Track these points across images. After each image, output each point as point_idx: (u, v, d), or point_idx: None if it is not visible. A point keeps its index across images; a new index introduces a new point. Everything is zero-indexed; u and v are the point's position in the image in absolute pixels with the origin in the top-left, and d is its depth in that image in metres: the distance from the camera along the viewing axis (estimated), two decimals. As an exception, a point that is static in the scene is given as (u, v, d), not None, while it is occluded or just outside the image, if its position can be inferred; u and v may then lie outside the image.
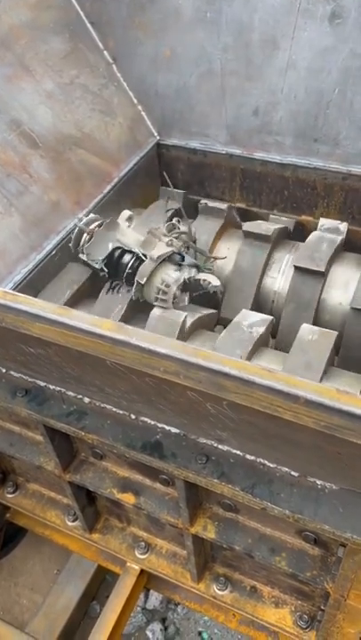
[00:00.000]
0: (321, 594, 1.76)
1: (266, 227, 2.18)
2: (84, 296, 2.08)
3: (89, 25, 2.43)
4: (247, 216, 2.46)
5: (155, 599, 3.45)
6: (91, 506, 2.05)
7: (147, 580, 2.15)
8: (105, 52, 2.47)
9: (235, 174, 2.48)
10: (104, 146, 2.36)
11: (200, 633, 3.37)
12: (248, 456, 1.41)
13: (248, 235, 2.17)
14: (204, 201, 2.38)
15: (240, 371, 0.75)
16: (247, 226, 2.18)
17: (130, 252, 1.98)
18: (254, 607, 1.90)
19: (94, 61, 2.44)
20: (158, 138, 2.55)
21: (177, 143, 2.52)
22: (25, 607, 3.36)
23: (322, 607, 1.67)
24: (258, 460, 1.40)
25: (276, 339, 2.07)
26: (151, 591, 3.47)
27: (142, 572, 2.09)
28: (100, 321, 0.84)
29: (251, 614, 1.90)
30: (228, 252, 2.24)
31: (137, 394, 1.25)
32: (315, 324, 1.99)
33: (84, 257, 2.01)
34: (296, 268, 1.99)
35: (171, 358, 0.79)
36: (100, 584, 3.25)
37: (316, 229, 2.26)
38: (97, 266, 1.98)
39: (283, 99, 2.26)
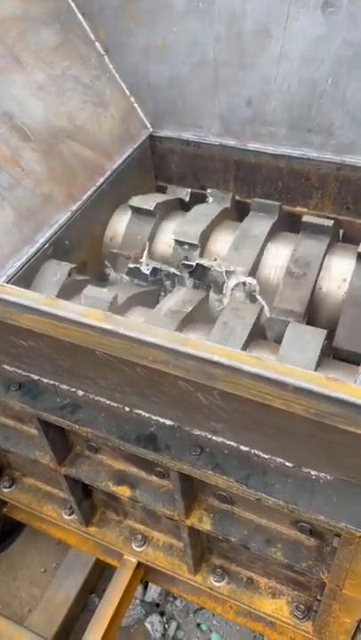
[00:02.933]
0: (317, 584, 1.76)
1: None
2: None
3: (80, 16, 2.41)
4: (242, 208, 2.45)
5: (153, 591, 3.46)
6: (87, 499, 2.05)
7: (144, 573, 2.15)
8: (96, 43, 2.45)
9: (228, 166, 2.47)
10: (96, 138, 2.34)
11: (199, 625, 3.38)
12: (242, 447, 1.41)
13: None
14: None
15: (228, 359, 0.74)
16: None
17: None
18: (251, 598, 1.91)
19: (86, 53, 2.42)
20: (151, 130, 2.53)
21: (170, 135, 2.51)
22: (24, 601, 3.37)
23: (318, 597, 1.68)
24: (252, 450, 1.40)
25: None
26: (150, 584, 3.49)
27: (139, 564, 2.09)
28: (87, 311, 0.83)
29: (247, 605, 1.90)
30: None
31: (129, 386, 1.25)
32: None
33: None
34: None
35: (159, 347, 0.79)
36: (99, 577, 3.26)
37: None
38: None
39: (276, 89, 2.25)
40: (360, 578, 1.42)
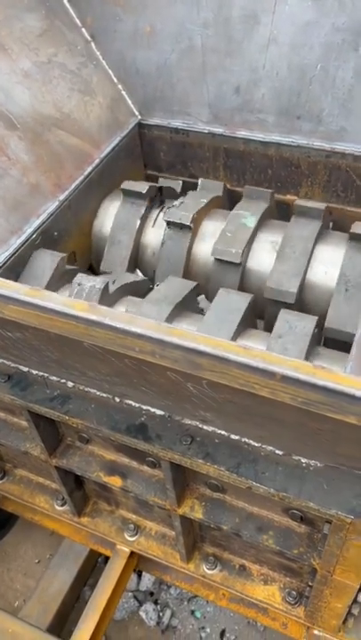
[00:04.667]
0: (308, 570, 1.78)
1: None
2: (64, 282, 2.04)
3: (65, 1, 2.37)
4: (233, 196, 2.44)
5: (148, 580, 3.49)
6: (79, 490, 2.05)
7: (137, 562, 2.16)
8: (83, 29, 2.41)
9: (218, 154, 2.45)
10: (84, 126, 2.31)
11: (193, 612, 3.41)
12: (233, 436, 1.41)
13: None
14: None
15: (215, 348, 0.74)
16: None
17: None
18: (243, 585, 1.92)
19: (72, 39, 2.38)
20: (140, 117, 2.50)
21: (159, 123, 2.48)
22: (18, 592, 3.38)
23: (309, 583, 1.69)
24: (242, 439, 1.40)
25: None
26: (143, 573, 3.51)
27: (132, 553, 2.10)
28: (72, 302, 0.82)
29: (240, 592, 1.92)
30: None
31: (118, 376, 1.24)
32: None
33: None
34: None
35: (145, 337, 0.78)
36: (94, 567, 3.28)
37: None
38: None
39: (265, 75, 2.23)
40: (351, 564, 1.44)
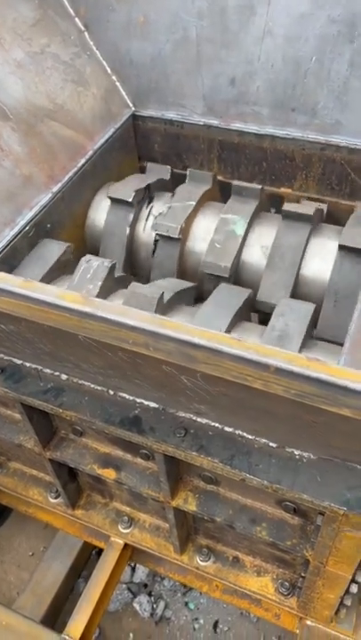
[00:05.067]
0: (301, 561, 1.79)
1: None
2: (62, 272, 2.03)
3: (59, -10, 2.34)
4: (226, 188, 2.42)
5: (141, 572, 3.50)
6: (72, 482, 2.05)
7: (131, 554, 2.17)
8: (76, 18, 2.38)
9: (212, 146, 2.44)
10: (78, 117, 2.29)
11: (187, 603, 3.43)
12: (226, 428, 1.41)
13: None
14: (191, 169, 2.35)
15: (208, 340, 0.74)
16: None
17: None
18: (237, 576, 1.93)
19: (65, 29, 2.35)
20: (134, 109, 2.49)
21: (153, 114, 2.46)
22: (12, 584, 3.39)
23: (302, 574, 1.70)
24: (236, 431, 1.40)
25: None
26: (137, 565, 3.52)
27: (126, 546, 2.10)
28: (65, 293, 0.81)
29: (233, 583, 1.93)
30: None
31: (112, 369, 1.24)
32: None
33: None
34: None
35: (139, 330, 0.77)
36: (87, 560, 3.28)
37: (295, 201, 2.24)
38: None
39: (260, 67, 2.21)
40: (343, 555, 1.45)
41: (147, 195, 2.29)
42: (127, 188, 2.22)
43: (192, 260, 2.19)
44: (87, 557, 3.29)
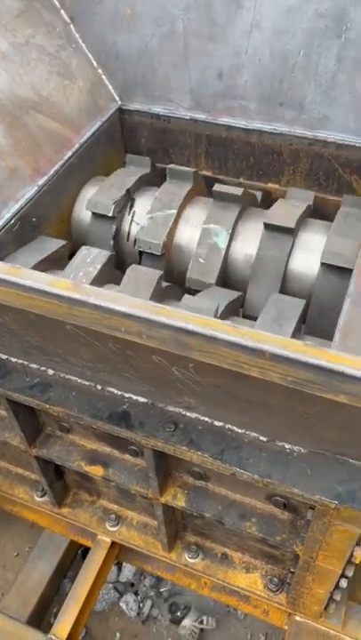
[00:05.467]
0: (290, 557, 1.78)
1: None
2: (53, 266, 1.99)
3: (43, -19, 2.31)
4: (213, 184, 2.41)
5: (128, 571, 3.47)
6: (59, 480, 2.02)
7: (118, 553, 2.14)
8: (62, 10, 2.35)
9: (200, 141, 2.42)
10: (63, 110, 2.26)
11: (173, 603, 3.41)
12: (216, 422, 1.40)
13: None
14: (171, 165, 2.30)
15: (203, 327, 0.72)
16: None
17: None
18: (225, 573, 1.92)
19: (50, 21, 2.32)
20: (120, 103, 2.46)
21: (140, 108, 2.44)
22: (-3, 585, 3.34)
23: (292, 569, 1.70)
24: (226, 426, 1.39)
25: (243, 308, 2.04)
26: (124, 564, 3.49)
27: (113, 544, 2.08)
28: (55, 280, 0.79)
29: (222, 580, 1.92)
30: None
31: (101, 362, 1.21)
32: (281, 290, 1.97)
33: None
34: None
35: (132, 317, 0.75)
36: (73, 559, 3.25)
37: (282, 197, 2.23)
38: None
39: (247, 61, 2.20)
40: (333, 549, 1.44)
41: (128, 199, 2.23)
42: (106, 197, 2.15)
43: (178, 272, 2.16)
44: (73, 557, 3.25)
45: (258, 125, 2.28)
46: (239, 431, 1.38)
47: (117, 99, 2.46)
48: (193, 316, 0.72)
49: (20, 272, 0.80)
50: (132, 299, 0.76)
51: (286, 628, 1.96)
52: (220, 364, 0.71)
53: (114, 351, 1.00)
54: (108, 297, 0.76)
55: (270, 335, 0.67)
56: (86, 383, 1.49)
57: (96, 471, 1.71)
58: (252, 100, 2.27)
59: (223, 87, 2.29)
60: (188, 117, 2.38)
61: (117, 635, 3.25)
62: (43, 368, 1.52)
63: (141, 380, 1.23)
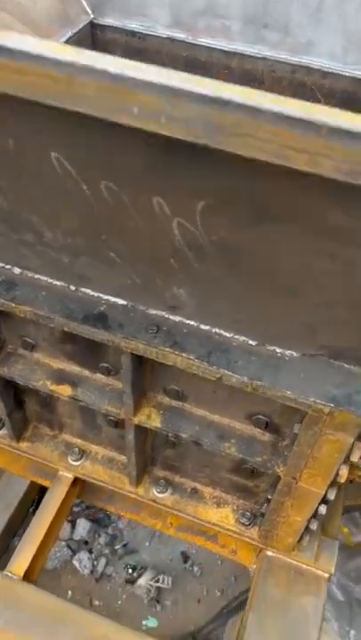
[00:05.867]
0: (265, 488, 1.71)
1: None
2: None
3: None
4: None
5: (82, 529, 3.34)
6: (18, 411, 1.85)
7: (80, 491, 2.00)
8: None
9: (177, 62, 2.27)
10: (30, 15, 2.06)
11: (127, 565, 3.31)
12: (202, 326, 1.29)
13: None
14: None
15: (243, 96, 0.59)
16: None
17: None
18: (195, 508, 1.83)
19: None
20: (92, 16, 2.27)
21: (113, 23, 2.26)
22: None
23: (268, 497, 1.61)
24: (213, 329, 1.28)
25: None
26: (77, 521, 3.36)
27: (75, 482, 1.94)
28: (51, 45, 0.63)
29: (192, 516, 1.82)
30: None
31: (84, 234, 1.07)
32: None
33: None
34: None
35: (152, 87, 0.61)
36: (24, 518, 3.10)
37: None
38: None
39: (232, -24, 2.07)
40: (320, 465, 1.36)
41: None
42: None
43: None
44: (24, 516, 3.11)
45: (240, 48, 2.17)
46: (227, 335, 1.28)
47: (90, 11, 2.28)
48: (229, 85, 0.59)
49: (7, 35, 0.64)
50: (151, 66, 0.63)
51: (255, 566, 1.89)
52: (258, 155, 0.58)
53: (105, 201, 0.86)
54: (121, 63, 0.62)
55: (327, 108, 0.55)
56: (58, 283, 1.34)
57: (63, 390, 1.56)
58: (235, 19, 2.14)
59: (204, 4, 2.15)
60: (165, 36, 2.23)
61: (69, 592, 3.12)
62: (8, 266, 1.36)
63: (128, 261, 1.10)
